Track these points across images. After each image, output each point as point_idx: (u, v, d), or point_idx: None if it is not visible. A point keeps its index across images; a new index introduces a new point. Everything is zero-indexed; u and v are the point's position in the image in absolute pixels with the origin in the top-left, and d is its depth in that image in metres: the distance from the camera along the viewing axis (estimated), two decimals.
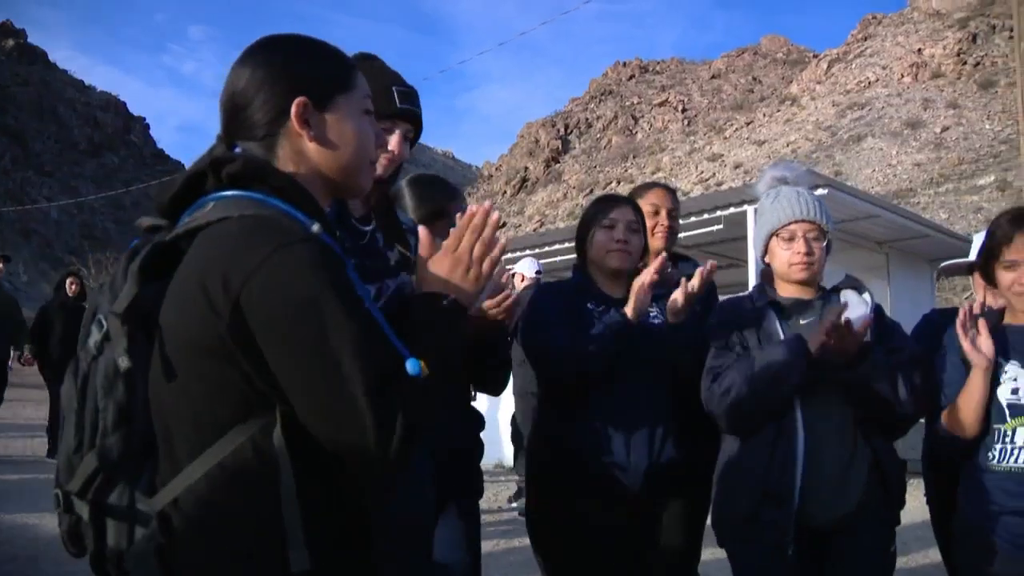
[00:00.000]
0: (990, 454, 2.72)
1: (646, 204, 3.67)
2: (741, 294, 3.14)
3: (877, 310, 2.93)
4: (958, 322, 2.70)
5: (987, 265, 2.83)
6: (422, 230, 1.63)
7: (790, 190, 2.96)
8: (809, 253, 2.87)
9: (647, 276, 2.90)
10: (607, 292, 3.17)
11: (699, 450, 3.11)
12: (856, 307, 2.82)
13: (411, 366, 1.38)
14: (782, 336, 2.85)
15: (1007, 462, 2.69)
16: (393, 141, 2.45)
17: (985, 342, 2.66)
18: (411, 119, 2.50)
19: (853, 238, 11.93)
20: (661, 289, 3.08)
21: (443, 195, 3.06)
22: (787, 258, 2.91)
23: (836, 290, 3.01)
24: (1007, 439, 2.69)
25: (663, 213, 3.78)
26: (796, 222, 2.88)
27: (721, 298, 3.46)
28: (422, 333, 1.47)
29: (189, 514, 1.39)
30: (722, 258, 12.31)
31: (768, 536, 2.76)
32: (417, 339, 1.44)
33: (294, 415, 1.37)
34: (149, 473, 1.47)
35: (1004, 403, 2.71)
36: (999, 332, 2.79)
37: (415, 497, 2.32)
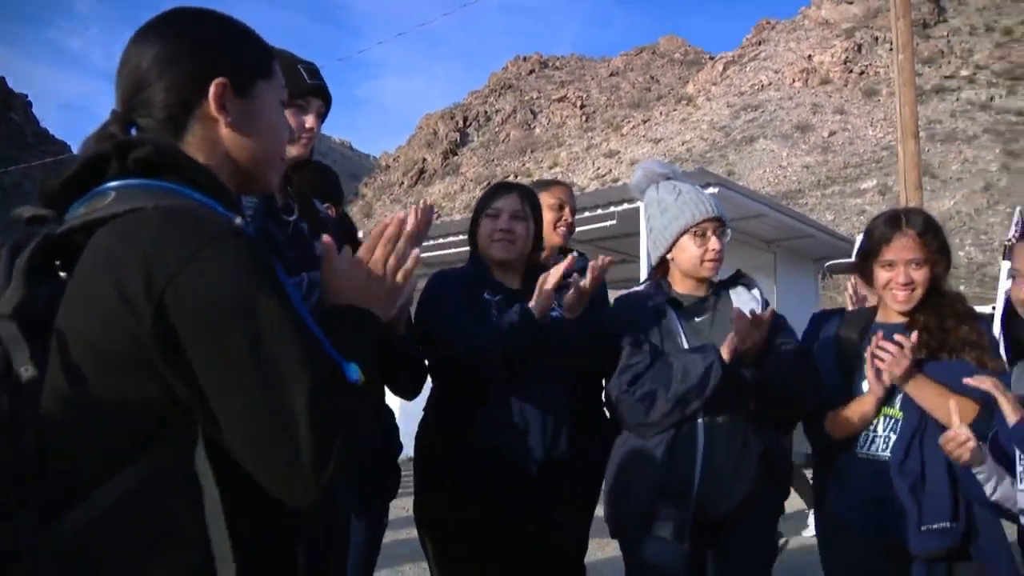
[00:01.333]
0: (856, 443, 2.81)
1: (551, 198, 3.71)
2: (637, 289, 3.13)
3: (765, 306, 2.98)
4: (868, 350, 2.75)
5: (865, 264, 2.92)
6: (326, 239, 1.57)
7: (689, 187, 3.01)
8: (720, 250, 2.93)
9: (554, 278, 2.84)
10: (501, 281, 3.12)
11: (593, 444, 3.12)
12: (747, 304, 2.91)
13: (351, 372, 1.30)
14: (682, 335, 2.89)
15: (868, 450, 2.79)
16: (309, 119, 2.44)
17: (887, 373, 2.71)
18: (322, 95, 2.48)
19: (742, 236, 12.08)
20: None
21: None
22: (699, 254, 2.93)
23: (726, 286, 3.07)
24: (870, 428, 2.80)
25: (567, 209, 3.79)
26: (708, 220, 2.92)
27: (613, 293, 3.46)
28: (349, 341, 1.38)
29: (90, 553, 1.19)
30: (615, 253, 12.06)
31: (665, 531, 2.78)
32: (346, 347, 1.34)
33: (219, 432, 1.22)
34: (38, 503, 1.22)
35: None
36: (870, 329, 2.90)
37: (335, 499, 2.19)
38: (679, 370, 2.76)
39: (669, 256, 3.01)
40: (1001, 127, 58.83)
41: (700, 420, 2.79)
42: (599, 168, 72.30)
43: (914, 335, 2.68)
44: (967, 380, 2.42)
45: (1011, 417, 2.31)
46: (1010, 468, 2.42)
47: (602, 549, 5.49)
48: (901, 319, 2.87)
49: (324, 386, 1.22)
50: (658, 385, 2.77)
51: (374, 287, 1.51)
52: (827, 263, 3.44)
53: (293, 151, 2.43)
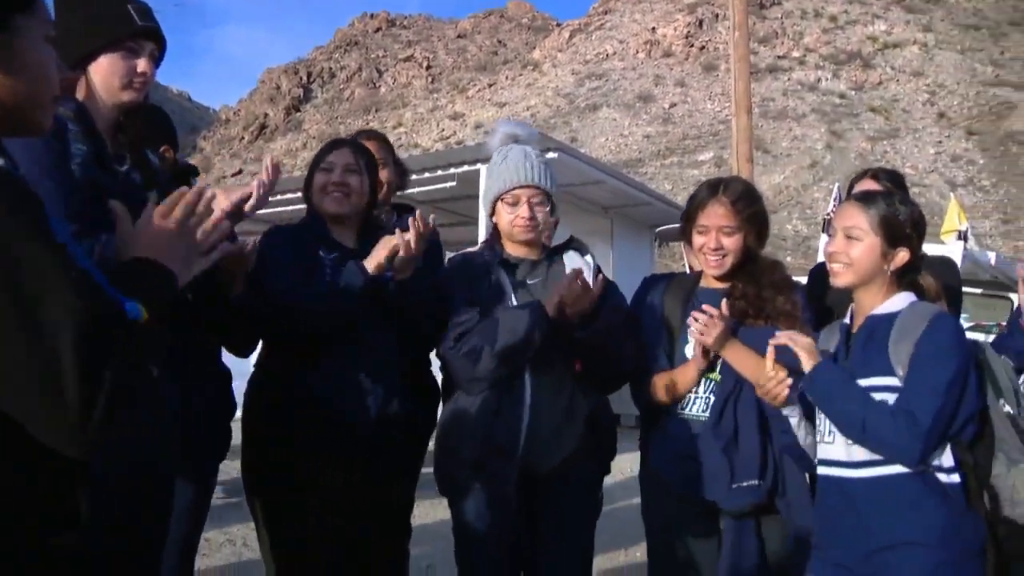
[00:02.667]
0: (678, 404, 2.91)
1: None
2: (471, 250, 3.20)
3: (596, 271, 3.06)
4: (691, 318, 2.81)
5: (685, 229, 3.00)
6: (115, 204, 1.62)
7: (519, 153, 3.02)
8: (532, 218, 2.97)
9: (411, 246, 2.85)
10: (337, 239, 3.12)
11: (423, 404, 3.23)
12: (581, 267, 2.97)
13: (131, 308, 1.29)
14: (512, 294, 2.96)
15: (688, 410, 2.89)
16: (142, 63, 2.36)
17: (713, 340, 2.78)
18: (154, 36, 2.40)
19: (581, 202, 12.47)
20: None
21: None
22: (511, 221, 3.00)
23: (560, 251, 3.13)
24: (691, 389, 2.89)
25: (387, 163, 3.78)
26: (521, 187, 2.97)
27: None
28: (131, 282, 1.39)
29: None
30: (455, 215, 12.59)
31: (491, 485, 2.86)
32: (131, 287, 1.36)
33: None
34: None
35: (689, 358, 2.91)
36: (694, 294, 3.01)
37: (144, 455, 2.13)
38: (505, 326, 2.80)
39: (494, 220, 3.08)
40: (827, 108, 61.89)
41: (527, 377, 2.85)
42: (444, 130, 71.96)
43: (724, 303, 2.81)
44: (772, 340, 2.55)
45: (807, 363, 2.46)
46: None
47: (435, 508, 5.44)
48: (722, 285, 2.96)
49: (93, 324, 1.18)
50: (484, 341, 2.81)
51: (170, 245, 1.53)
52: (658, 229, 3.56)
53: (125, 97, 2.37)
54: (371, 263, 2.89)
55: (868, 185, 3.38)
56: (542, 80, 74.87)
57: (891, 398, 2.36)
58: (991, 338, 3.18)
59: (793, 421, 2.58)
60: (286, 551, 3.00)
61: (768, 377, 2.53)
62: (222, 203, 2.59)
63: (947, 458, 2.37)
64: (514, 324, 2.80)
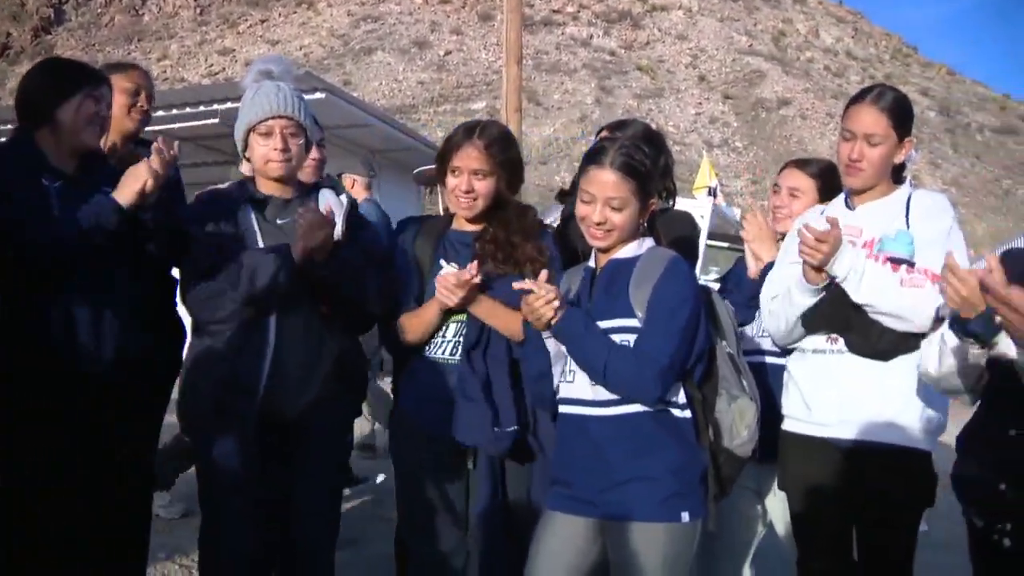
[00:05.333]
0: (427, 347, 2.93)
1: (126, 82, 3.63)
2: (220, 187, 3.10)
3: (352, 207, 3.08)
4: (439, 276, 2.80)
5: (441, 170, 2.99)
6: None
7: (271, 85, 2.96)
8: (285, 150, 2.90)
9: (158, 175, 2.76)
10: (56, 165, 2.93)
11: (165, 344, 3.21)
12: (334, 206, 2.94)
13: None
14: (259, 234, 2.91)
15: (437, 353, 2.92)
16: None
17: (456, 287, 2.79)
18: None
19: (349, 145, 12.39)
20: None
21: None
22: (264, 154, 2.92)
23: (316, 188, 3.13)
24: (440, 332, 2.91)
25: (143, 95, 3.71)
26: (274, 118, 2.90)
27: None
28: None
29: None
30: (219, 153, 12.27)
31: (234, 426, 2.84)
32: None
33: None
34: None
35: None
36: (444, 236, 3.03)
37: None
38: (247, 270, 2.76)
39: (246, 155, 3.01)
40: (597, 64, 63.81)
41: (272, 317, 2.83)
42: (212, 65, 68.57)
43: (472, 266, 2.77)
44: (515, 284, 2.53)
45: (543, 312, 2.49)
46: None
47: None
48: (473, 228, 2.99)
49: None
50: (226, 284, 2.77)
51: None
52: (415, 171, 3.38)
53: None
54: (124, 197, 2.74)
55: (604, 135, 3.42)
56: (317, 19, 72.76)
57: (631, 339, 2.48)
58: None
59: (551, 348, 2.60)
60: (19, 497, 2.84)
61: (535, 297, 2.49)
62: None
63: (680, 395, 2.54)
64: (258, 268, 2.76)
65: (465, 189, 2.89)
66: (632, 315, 2.49)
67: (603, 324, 2.52)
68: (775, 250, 3.23)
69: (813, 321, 2.80)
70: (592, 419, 2.53)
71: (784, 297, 2.87)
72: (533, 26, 60.31)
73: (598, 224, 2.55)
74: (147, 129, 3.82)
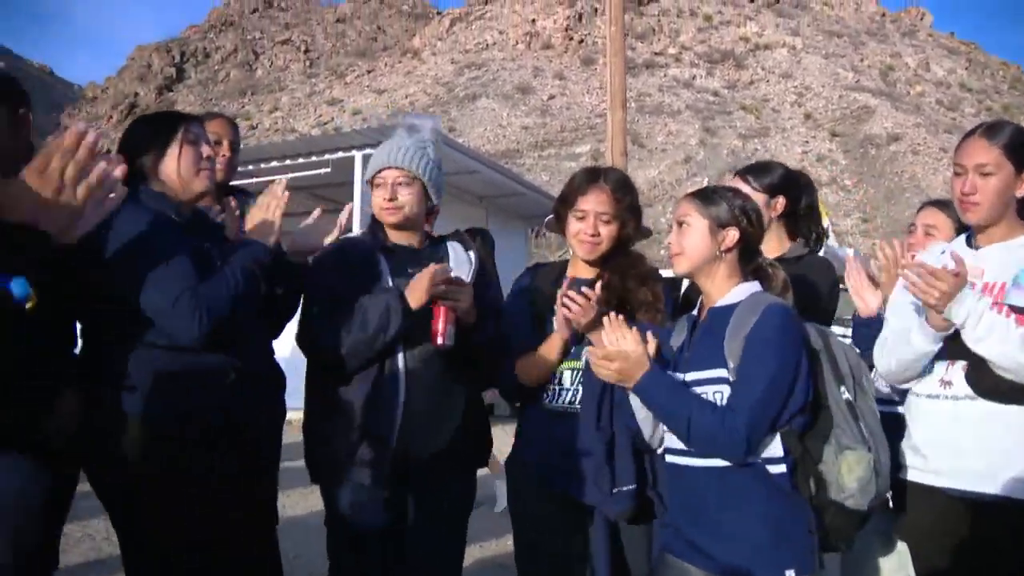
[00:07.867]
0: (544, 395, 2.91)
1: (208, 131, 3.39)
2: (351, 235, 3.18)
3: (481, 264, 3.09)
4: (558, 296, 2.81)
5: (561, 213, 2.99)
6: None
7: (394, 140, 3.06)
8: (392, 199, 2.96)
9: (280, 212, 2.81)
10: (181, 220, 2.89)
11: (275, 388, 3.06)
12: (462, 263, 3.00)
13: (16, 287, 1.30)
14: (390, 281, 2.93)
15: (555, 402, 2.89)
16: None
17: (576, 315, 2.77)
18: None
19: (456, 191, 12.59)
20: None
21: None
22: (376, 203, 3.00)
23: (443, 240, 3.13)
24: (556, 381, 2.90)
25: (225, 144, 3.70)
26: (387, 168, 2.98)
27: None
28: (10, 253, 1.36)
29: None
30: (328, 201, 12.60)
31: (366, 474, 2.83)
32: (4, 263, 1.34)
33: None
34: None
35: None
36: (561, 281, 2.97)
37: None
38: (361, 311, 2.81)
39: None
40: (701, 104, 63.49)
41: (401, 363, 2.85)
42: (321, 115, 70.83)
43: (598, 287, 2.76)
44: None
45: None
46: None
47: (305, 499, 5.68)
48: (590, 274, 2.97)
49: None
50: (345, 331, 2.81)
51: (49, 203, 1.43)
52: (546, 220, 3.43)
53: None
54: (260, 234, 2.75)
55: (735, 183, 3.34)
56: (421, 68, 74.48)
57: (725, 389, 2.41)
58: (849, 331, 3.22)
59: (635, 404, 2.56)
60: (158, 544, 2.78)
61: (592, 351, 2.52)
62: None
63: (775, 448, 2.40)
64: (371, 309, 2.80)
65: (591, 232, 2.89)
66: (723, 365, 2.41)
67: (696, 375, 2.47)
68: (873, 295, 3.11)
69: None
70: (687, 469, 2.48)
71: (899, 335, 2.74)
72: (635, 68, 60.49)
73: (671, 244, 2.60)
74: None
